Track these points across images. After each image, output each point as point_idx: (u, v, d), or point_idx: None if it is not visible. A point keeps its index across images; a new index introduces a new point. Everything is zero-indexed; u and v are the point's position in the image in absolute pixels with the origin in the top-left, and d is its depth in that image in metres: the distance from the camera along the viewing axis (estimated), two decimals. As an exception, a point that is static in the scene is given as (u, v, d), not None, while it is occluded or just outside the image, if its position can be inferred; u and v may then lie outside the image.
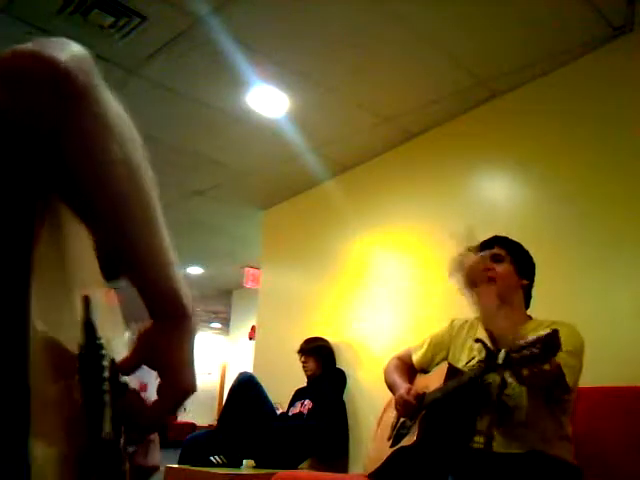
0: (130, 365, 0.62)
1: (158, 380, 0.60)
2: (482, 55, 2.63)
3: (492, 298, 1.62)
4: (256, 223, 4.67)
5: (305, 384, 3.42)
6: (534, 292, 1.84)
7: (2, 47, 0.47)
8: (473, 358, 1.73)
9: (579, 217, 2.43)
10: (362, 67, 2.76)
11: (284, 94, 2.99)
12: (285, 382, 3.54)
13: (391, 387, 1.95)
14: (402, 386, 1.83)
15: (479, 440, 1.62)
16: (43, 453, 0.42)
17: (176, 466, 2.92)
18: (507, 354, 1.42)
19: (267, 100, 3.05)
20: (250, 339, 6.42)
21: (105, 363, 0.58)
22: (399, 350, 2.13)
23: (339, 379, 3.32)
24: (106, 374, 0.58)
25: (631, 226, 2.24)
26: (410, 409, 1.75)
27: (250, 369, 4.04)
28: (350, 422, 3.25)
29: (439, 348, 1.94)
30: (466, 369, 1.71)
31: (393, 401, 1.89)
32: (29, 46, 0.47)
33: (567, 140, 2.56)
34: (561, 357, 1.48)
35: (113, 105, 0.54)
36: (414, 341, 2.09)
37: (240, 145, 3.60)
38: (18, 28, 2.48)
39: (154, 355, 0.60)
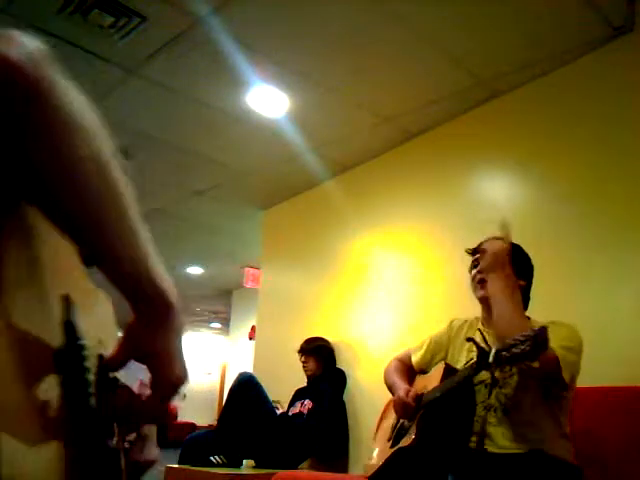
0: (117, 360, 0.61)
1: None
2: (482, 55, 2.63)
3: (503, 285, 1.62)
4: (256, 223, 4.67)
5: (305, 384, 3.42)
6: (534, 292, 1.84)
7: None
8: (472, 359, 1.73)
9: (579, 217, 2.43)
10: (362, 67, 2.76)
11: (284, 94, 2.99)
12: (285, 382, 3.55)
13: (391, 388, 1.95)
14: (401, 387, 1.83)
15: (475, 440, 1.63)
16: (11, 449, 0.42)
17: (176, 466, 2.92)
18: (497, 353, 1.43)
19: (267, 100, 3.05)
20: (250, 339, 6.42)
21: (88, 364, 0.57)
22: (399, 350, 2.13)
23: (339, 379, 3.33)
24: (91, 376, 0.57)
25: (631, 226, 2.23)
26: (408, 410, 1.75)
27: (250, 369, 4.04)
28: (350, 422, 3.25)
29: (438, 349, 1.94)
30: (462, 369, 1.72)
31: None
32: None
33: (567, 140, 2.56)
34: (559, 353, 1.48)
35: (74, 97, 0.50)
36: (414, 341, 2.09)
37: (240, 145, 3.60)
38: (18, 28, 2.47)
39: (140, 348, 0.59)
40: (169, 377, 0.59)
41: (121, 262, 0.54)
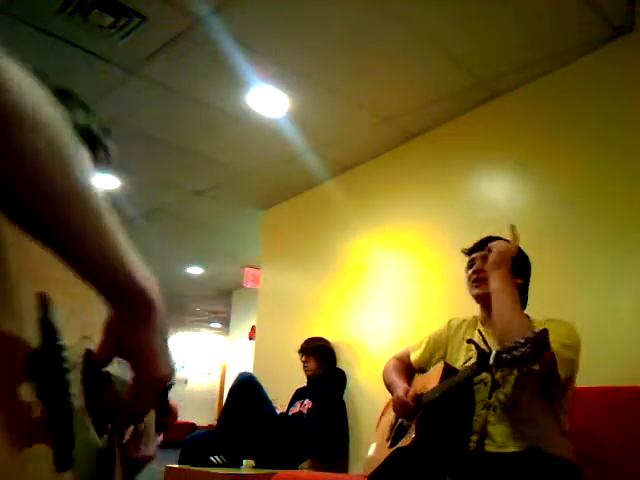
0: (100, 358, 0.60)
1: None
2: (482, 55, 2.63)
3: (504, 283, 1.65)
4: (256, 223, 4.67)
5: (305, 384, 3.42)
6: (534, 292, 1.84)
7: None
8: (470, 358, 1.74)
9: (579, 217, 2.43)
10: (362, 67, 2.76)
11: (284, 94, 2.99)
12: (285, 382, 3.55)
13: (389, 387, 1.95)
14: (400, 387, 1.83)
15: (474, 440, 1.63)
16: None
17: (176, 466, 2.92)
18: (497, 355, 1.43)
19: (267, 100, 3.05)
20: (250, 339, 6.42)
21: (67, 365, 0.55)
22: (399, 350, 2.13)
23: (339, 379, 3.33)
24: (70, 376, 0.56)
25: (631, 226, 2.23)
26: (407, 410, 1.75)
27: (250, 369, 4.05)
28: (350, 422, 3.25)
29: (437, 347, 1.94)
30: (462, 369, 1.72)
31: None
32: None
33: (567, 140, 2.56)
34: (556, 349, 1.48)
35: (18, 83, 0.44)
36: (414, 341, 2.09)
37: (240, 145, 3.60)
38: (18, 28, 2.48)
39: (120, 345, 0.58)
40: (150, 376, 0.58)
41: (91, 259, 0.52)
